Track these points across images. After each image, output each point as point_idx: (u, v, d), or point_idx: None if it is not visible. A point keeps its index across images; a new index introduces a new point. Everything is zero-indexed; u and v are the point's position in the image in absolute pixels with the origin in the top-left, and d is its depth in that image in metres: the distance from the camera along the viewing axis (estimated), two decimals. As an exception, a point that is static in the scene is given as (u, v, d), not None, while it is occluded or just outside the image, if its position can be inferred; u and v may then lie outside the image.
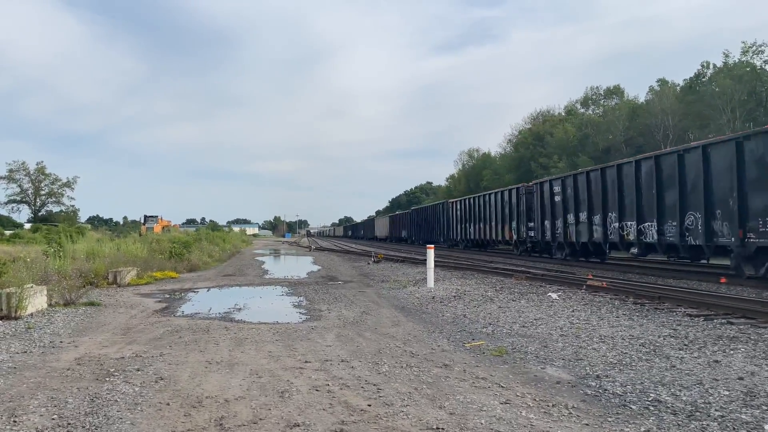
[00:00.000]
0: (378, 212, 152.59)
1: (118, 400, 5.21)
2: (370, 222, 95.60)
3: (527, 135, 66.45)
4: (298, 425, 4.49)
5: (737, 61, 43.68)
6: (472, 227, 35.42)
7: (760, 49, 42.85)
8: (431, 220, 47.06)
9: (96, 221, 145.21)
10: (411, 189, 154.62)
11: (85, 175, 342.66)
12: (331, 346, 7.68)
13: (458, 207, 38.64)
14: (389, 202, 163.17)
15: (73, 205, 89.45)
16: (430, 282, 15.36)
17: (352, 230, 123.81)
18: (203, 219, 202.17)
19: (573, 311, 10.42)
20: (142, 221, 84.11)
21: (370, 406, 4.99)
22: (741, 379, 5.75)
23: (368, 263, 26.30)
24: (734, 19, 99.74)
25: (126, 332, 8.83)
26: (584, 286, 13.35)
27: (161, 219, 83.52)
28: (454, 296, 13.05)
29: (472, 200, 36.00)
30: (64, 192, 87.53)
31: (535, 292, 13.13)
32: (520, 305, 11.40)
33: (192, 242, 29.73)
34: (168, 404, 5.07)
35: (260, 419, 4.65)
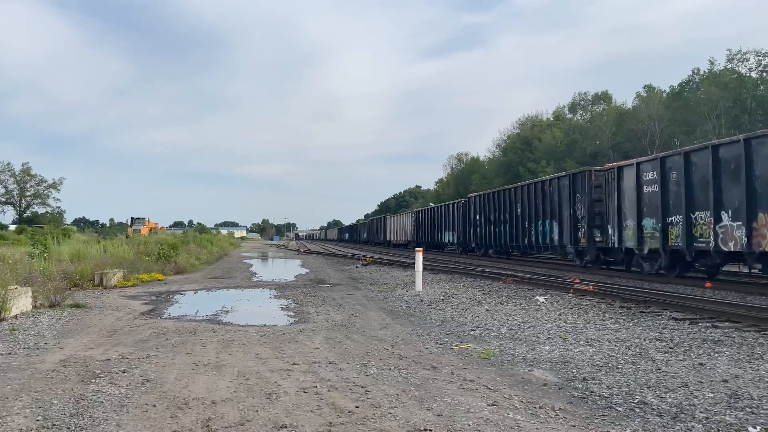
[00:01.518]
0: (367, 215, 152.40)
1: (104, 401, 5.16)
2: (377, 222, 72.00)
3: (516, 140, 66.79)
4: (286, 427, 4.48)
5: (723, 68, 44.24)
6: (732, 217, 14.00)
7: (744, 57, 43.45)
8: (525, 212, 26.19)
9: (82, 223, 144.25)
10: (400, 193, 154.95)
11: (72, 176, 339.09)
12: (319, 348, 7.66)
13: (647, 176, 17.32)
14: (378, 205, 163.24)
15: (59, 207, 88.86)
16: (419, 285, 15.38)
17: (350, 233, 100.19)
18: (191, 221, 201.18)
19: (560, 314, 10.49)
20: (129, 223, 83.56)
21: (358, 407, 4.99)
22: (725, 381, 5.81)
23: (357, 266, 26.28)
24: (721, 28, 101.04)
25: (112, 334, 8.76)
26: (571, 290, 13.43)
27: (148, 221, 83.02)
28: (442, 299, 13.07)
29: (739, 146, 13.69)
30: (49, 193, 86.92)
31: (523, 296, 13.19)
32: (508, 308, 11.45)
33: (179, 244, 29.53)
34: (154, 406, 5.04)
35: (247, 420, 4.63)
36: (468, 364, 6.74)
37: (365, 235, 79.52)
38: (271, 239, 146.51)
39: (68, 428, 4.48)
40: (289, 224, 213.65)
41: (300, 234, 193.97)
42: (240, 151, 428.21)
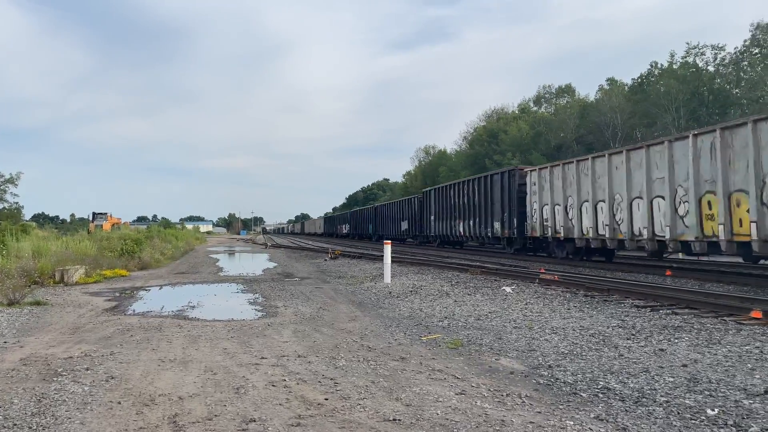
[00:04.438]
0: (335, 209, 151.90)
1: (67, 399, 5.05)
2: (446, 194, 31.83)
3: (482, 132, 67.40)
4: (254, 420, 4.45)
5: (681, 62, 45.33)
6: None
7: (701, 51, 44.62)
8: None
9: (42, 219, 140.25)
10: (368, 186, 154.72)
11: (30, 171, 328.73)
12: (288, 341, 7.63)
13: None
14: (346, 198, 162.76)
15: (17, 202, 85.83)
16: (387, 278, 15.41)
17: (355, 222, 63.17)
18: (155, 216, 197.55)
19: (526, 304, 10.64)
20: (91, 219, 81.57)
21: (327, 399, 4.99)
22: (685, 366, 5.99)
23: (325, 260, 26.20)
24: (678, 22, 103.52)
25: (74, 331, 8.56)
26: (537, 280, 13.63)
27: (111, 216, 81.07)
28: (411, 291, 13.13)
29: None
30: (7, 188, 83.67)
31: (490, 286, 13.33)
32: (476, 299, 11.57)
33: (143, 240, 28.94)
34: (119, 403, 4.95)
35: (215, 415, 4.58)
36: (436, 355, 6.80)
37: (405, 226, 41.69)
38: (238, 233, 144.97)
39: (30, 427, 4.38)
40: (256, 218, 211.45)
41: (267, 228, 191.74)
42: (204, 144, 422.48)
